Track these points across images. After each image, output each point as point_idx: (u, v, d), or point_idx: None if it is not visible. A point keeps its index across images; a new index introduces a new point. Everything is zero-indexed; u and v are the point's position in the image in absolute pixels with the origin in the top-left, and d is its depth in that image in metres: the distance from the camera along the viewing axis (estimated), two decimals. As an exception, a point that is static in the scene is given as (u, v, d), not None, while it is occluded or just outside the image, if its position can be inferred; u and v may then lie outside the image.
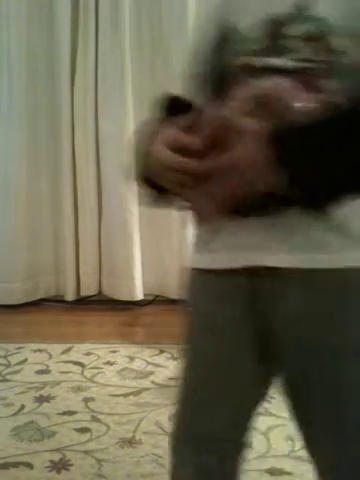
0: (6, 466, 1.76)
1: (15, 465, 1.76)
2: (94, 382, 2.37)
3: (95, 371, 2.49)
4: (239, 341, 0.92)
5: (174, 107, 0.97)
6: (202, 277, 0.95)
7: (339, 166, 0.75)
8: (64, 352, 2.71)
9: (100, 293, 3.52)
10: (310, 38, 0.82)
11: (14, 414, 2.09)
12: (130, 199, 3.35)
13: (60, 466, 1.76)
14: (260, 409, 0.99)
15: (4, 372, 2.48)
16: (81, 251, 3.47)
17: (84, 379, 2.40)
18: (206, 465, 0.96)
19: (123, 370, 2.49)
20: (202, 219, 0.87)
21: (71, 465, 1.77)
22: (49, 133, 3.44)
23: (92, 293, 3.51)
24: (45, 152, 3.46)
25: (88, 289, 3.49)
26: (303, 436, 0.93)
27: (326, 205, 0.78)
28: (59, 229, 3.50)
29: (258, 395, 0.98)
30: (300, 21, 0.83)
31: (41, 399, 2.21)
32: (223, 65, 0.90)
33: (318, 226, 0.83)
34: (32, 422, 2.03)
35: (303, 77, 0.82)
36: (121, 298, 3.41)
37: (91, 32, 3.33)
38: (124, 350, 2.72)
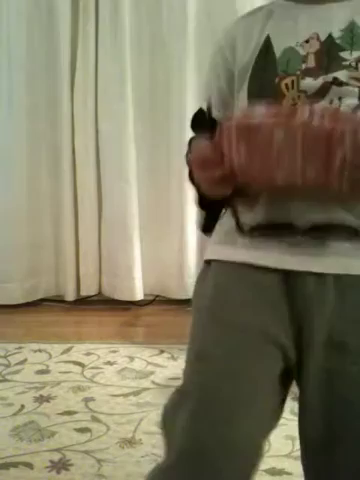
0: (6, 466, 1.76)
1: (15, 465, 1.76)
2: (94, 382, 2.37)
3: (95, 371, 2.48)
4: (270, 340, 0.89)
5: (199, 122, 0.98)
6: (232, 271, 0.92)
7: None
8: (64, 352, 2.70)
9: (100, 293, 3.52)
10: None
11: (14, 414, 2.09)
12: (130, 199, 3.35)
13: (60, 466, 1.76)
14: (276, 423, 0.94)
15: (4, 372, 2.48)
16: (81, 251, 3.47)
17: (84, 379, 2.40)
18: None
19: (123, 370, 2.49)
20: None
21: (71, 465, 1.77)
22: (49, 133, 3.43)
23: (92, 293, 3.51)
24: (45, 152, 3.45)
25: (88, 289, 3.49)
26: (321, 446, 0.90)
27: None
28: (59, 229, 3.50)
29: (276, 402, 0.93)
30: (357, 47, 0.85)
31: (41, 399, 2.21)
32: (271, 82, 0.88)
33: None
34: (32, 422, 2.03)
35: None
36: (121, 298, 3.40)
37: (91, 32, 3.32)
38: (124, 350, 2.72)
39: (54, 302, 3.51)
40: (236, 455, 0.86)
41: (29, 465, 1.76)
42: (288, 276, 0.88)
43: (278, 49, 0.88)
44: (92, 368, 2.52)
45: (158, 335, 2.87)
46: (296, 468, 1.71)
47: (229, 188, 0.87)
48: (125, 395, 2.24)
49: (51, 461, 1.79)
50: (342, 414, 0.87)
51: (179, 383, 0.93)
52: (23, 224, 3.43)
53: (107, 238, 3.44)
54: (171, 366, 2.50)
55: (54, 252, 3.53)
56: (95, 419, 2.06)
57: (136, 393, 2.25)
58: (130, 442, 1.90)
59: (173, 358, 2.58)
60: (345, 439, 0.88)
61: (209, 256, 0.98)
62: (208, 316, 0.92)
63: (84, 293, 3.50)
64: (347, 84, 0.84)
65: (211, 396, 0.87)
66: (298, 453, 0.98)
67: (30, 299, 3.48)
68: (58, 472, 1.73)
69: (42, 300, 3.53)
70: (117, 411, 2.11)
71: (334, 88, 0.85)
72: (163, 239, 3.42)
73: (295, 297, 0.88)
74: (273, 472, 1.71)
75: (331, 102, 0.84)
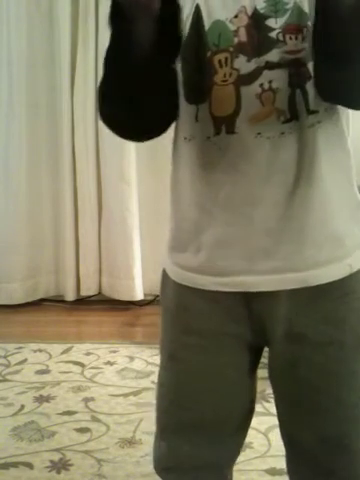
0: (6, 466, 1.76)
1: (15, 465, 1.76)
2: (94, 382, 2.37)
3: (95, 371, 2.48)
4: (233, 339, 0.93)
5: None
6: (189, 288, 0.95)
7: None
8: (64, 352, 2.71)
9: (100, 293, 3.52)
10: (291, 29, 0.85)
11: (14, 414, 2.09)
12: (130, 199, 3.35)
13: (60, 466, 1.76)
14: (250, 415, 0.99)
15: (4, 372, 2.48)
16: (81, 251, 3.47)
17: (84, 379, 2.40)
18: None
19: (123, 370, 2.49)
20: None
21: (71, 465, 1.77)
22: (49, 133, 3.43)
23: (92, 293, 3.51)
24: (45, 152, 3.46)
25: (88, 289, 3.49)
26: (290, 430, 0.95)
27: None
28: (59, 229, 3.50)
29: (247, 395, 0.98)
30: (280, 14, 0.85)
31: (41, 399, 2.21)
32: (204, 53, 0.87)
33: (307, 242, 0.87)
34: (32, 422, 2.03)
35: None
36: (121, 298, 3.40)
37: (91, 32, 3.32)
38: (124, 350, 2.72)
39: (54, 302, 3.51)
40: (207, 433, 0.97)
41: (29, 465, 1.77)
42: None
43: (207, 21, 0.88)
44: (92, 368, 2.52)
45: (158, 335, 2.87)
46: (296, 468, 1.70)
47: None
48: (125, 395, 2.24)
49: (51, 461, 1.79)
50: (310, 400, 0.91)
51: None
52: (23, 224, 3.43)
53: (107, 238, 3.44)
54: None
55: (54, 252, 3.53)
56: (95, 419, 2.06)
57: (136, 393, 2.25)
58: (130, 442, 1.90)
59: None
60: (313, 423, 0.91)
61: (165, 268, 1.02)
62: (173, 322, 0.99)
63: (84, 293, 3.50)
64: (279, 66, 0.84)
65: (181, 390, 0.99)
66: (298, 453, 1.00)
67: (30, 299, 3.48)
68: (58, 472, 1.73)
69: (42, 300, 3.53)
70: (117, 411, 2.11)
71: (265, 72, 0.85)
72: (163, 239, 3.39)
73: (250, 299, 0.90)
74: (273, 472, 1.71)
75: (261, 86, 0.85)
